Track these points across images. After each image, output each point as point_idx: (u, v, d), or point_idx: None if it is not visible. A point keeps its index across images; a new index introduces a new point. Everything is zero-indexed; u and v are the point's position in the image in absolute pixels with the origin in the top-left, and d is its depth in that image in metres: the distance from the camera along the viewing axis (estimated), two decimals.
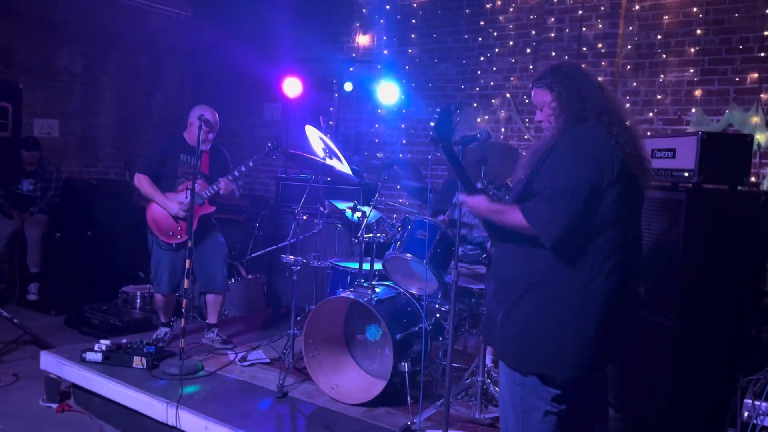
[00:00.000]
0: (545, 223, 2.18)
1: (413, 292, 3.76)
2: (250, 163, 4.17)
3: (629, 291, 2.35)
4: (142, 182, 4.22)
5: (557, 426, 2.32)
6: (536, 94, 2.40)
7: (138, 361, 3.81)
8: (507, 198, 2.46)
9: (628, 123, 2.30)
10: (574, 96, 2.27)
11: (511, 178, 5.41)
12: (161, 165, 4.24)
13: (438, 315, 3.79)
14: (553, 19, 5.47)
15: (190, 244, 3.71)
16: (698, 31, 4.93)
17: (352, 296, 3.52)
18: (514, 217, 2.24)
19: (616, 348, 2.38)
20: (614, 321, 2.28)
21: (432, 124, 2.37)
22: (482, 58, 6.12)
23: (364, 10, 6.88)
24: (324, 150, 4.40)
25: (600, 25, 5.24)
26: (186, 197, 4.12)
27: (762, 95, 4.62)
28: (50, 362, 3.93)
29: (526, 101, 5.80)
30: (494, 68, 6.04)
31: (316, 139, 4.49)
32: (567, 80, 2.30)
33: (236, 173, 4.17)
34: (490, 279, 2.48)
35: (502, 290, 2.39)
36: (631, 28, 5.24)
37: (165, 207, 4.17)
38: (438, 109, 2.38)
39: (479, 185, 2.51)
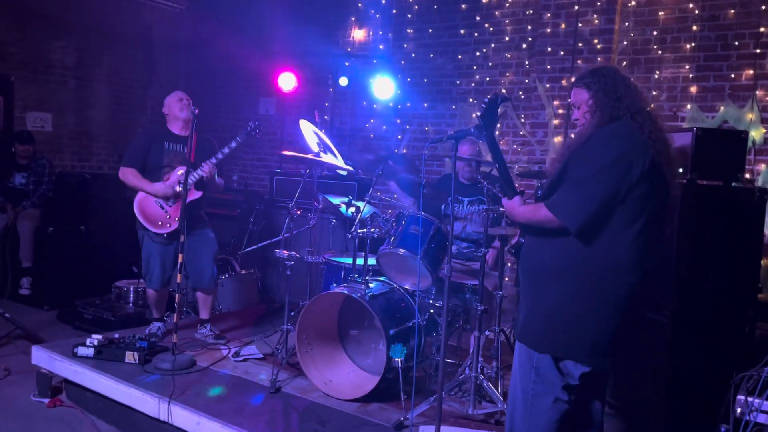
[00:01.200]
0: (569, 209, 2.25)
1: (407, 287, 3.75)
2: (233, 144, 4.17)
3: (647, 287, 2.38)
4: (127, 175, 4.19)
5: (563, 415, 2.36)
6: (575, 93, 2.48)
7: (130, 356, 3.79)
8: (539, 191, 2.52)
9: (659, 125, 2.37)
10: (611, 95, 2.35)
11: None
12: (145, 156, 4.21)
13: (432, 311, 3.78)
14: (549, 15, 5.45)
15: (183, 238, 3.69)
16: (694, 27, 4.92)
17: (345, 291, 3.50)
18: (543, 213, 2.31)
19: (626, 342, 2.40)
20: (633, 315, 2.33)
21: (476, 114, 2.47)
22: (478, 54, 6.10)
23: (359, 5, 6.85)
24: (318, 145, 4.38)
25: (596, 21, 5.23)
26: (179, 183, 4.10)
27: (757, 92, 4.62)
28: (41, 357, 3.90)
29: (522, 97, 5.79)
30: (490, 64, 6.03)
31: (310, 133, 4.46)
32: (604, 80, 2.38)
33: (219, 156, 4.17)
34: (520, 268, 2.56)
35: (532, 276, 2.45)
36: (626, 23, 5.23)
37: (153, 191, 4.14)
38: (485, 99, 2.48)
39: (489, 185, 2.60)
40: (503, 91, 5.89)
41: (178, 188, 4.08)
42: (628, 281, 2.27)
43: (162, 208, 4.16)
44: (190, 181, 4.10)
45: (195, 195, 4.21)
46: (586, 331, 2.28)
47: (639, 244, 2.26)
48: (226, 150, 4.17)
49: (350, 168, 4.41)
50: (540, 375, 2.36)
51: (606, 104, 2.35)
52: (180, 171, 4.12)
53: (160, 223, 4.16)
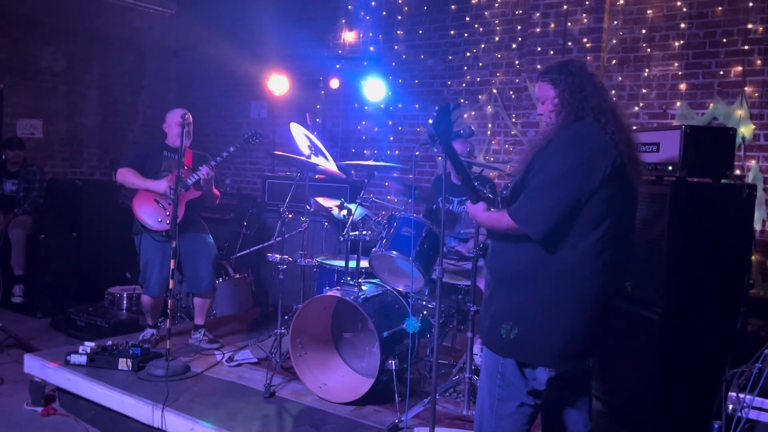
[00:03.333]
0: (531, 218, 2.21)
1: (400, 289, 3.75)
2: (231, 149, 4.23)
3: (618, 286, 2.38)
4: (127, 174, 4.19)
5: (530, 419, 2.38)
6: (540, 87, 2.43)
7: (123, 363, 3.77)
8: (504, 192, 2.49)
9: (624, 125, 2.34)
10: (577, 95, 2.31)
11: (497, 173, 5.44)
12: (143, 160, 4.23)
13: (425, 312, 3.78)
14: (538, 15, 5.46)
15: (174, 244, 3.67)
16: (682, 25, 4.94)
17: (338, 294, 3.50)
18: (505, 221, 2.28)
19: (600, 342, 2.39)
20: (603, 317, 2.31)
21: (430, 121, 2.40)
22: (468, 54, 6.10)
23: (349, 7, 6.85)
24: (309, 147, 4.37)
25: (585, 20, 5.24)
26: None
27: (746, 88, 4.64)
28: (34, 365, 3.88)
29: (513, 97, 5.80)
30: (480, 64, 6.04)
31: (301, 136, 4.46)
32: (571, 78, 2.33)
33: (219, 158, 4.20)
34: (486, 270, 2.52)
35: (497, 280, 2.43)
36: (615, 22, 5.25)
37: (154, 188, 4.13)
38: (436, 108, 2.40)
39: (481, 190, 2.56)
40: (494, 91, 5.90)
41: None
42: (592, 285, 2.24)
43: (159, 204, 4.17)
44: (189, 182, 4.14)
45: (195, 194, 4.24)
46: (551, 337, 2.25)
47: (603, 246, 2.22)
48: (225, 154, 4.21)
49: (341, 174, 4.40)
50: (505, 380, 2.35)
51: (571, 104, 2.30)
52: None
53: (159, 220, 4.15)
